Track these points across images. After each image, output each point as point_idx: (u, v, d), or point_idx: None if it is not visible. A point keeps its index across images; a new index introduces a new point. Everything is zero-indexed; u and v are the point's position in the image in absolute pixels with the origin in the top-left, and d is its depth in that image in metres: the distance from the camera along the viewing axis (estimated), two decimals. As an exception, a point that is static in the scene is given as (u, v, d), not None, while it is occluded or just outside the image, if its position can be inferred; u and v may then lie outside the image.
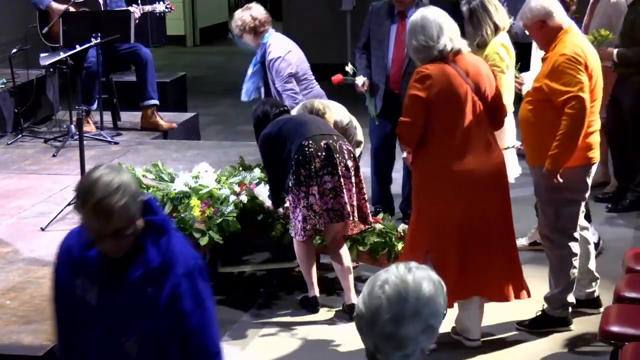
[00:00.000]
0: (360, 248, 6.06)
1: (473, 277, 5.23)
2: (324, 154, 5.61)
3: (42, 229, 6.25)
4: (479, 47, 6.09)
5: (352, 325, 5.71)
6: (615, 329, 4.39)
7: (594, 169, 5.51)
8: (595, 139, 5.44)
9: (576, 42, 5.31)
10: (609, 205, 7.67)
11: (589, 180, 5.48)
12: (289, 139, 5.69)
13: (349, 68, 6.97)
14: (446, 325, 5.54)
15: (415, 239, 5.31)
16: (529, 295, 5.41)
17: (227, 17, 18.68)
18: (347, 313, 5.80)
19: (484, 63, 5.37)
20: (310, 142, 5.63)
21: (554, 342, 5.48)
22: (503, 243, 5.27)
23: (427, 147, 5.18)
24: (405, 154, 5.34)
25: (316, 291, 5.91)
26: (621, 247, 6.20)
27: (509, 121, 6.02)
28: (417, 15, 5.23)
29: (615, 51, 7.22)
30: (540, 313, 5.61)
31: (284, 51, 6.92)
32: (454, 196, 5.15)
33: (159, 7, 8.89)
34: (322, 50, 11.32)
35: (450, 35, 5.13)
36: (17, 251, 5.92)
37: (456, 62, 5.14)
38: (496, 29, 6.11)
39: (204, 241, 5.76)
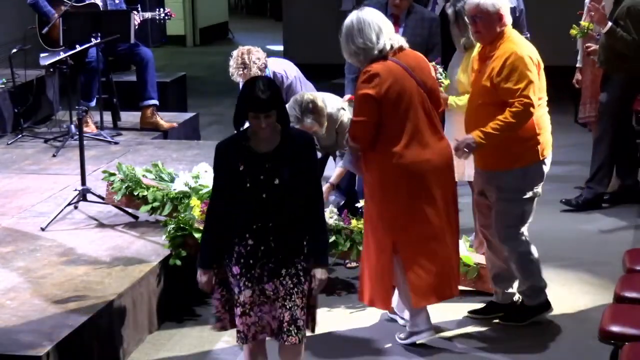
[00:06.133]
0: (360, 248, 6.04)
1: (448, 275, 5.24)
2: None
3: (42, 229, 6.25)
4: (466, 48, 6.06)
5: (351, 325, 5.74)
6: (615, 329, 4.38)
7: (547, 161, 5.46)
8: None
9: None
10: (562, 200, 7.67)
11: (545, 172, 5.47)
12: None
13: None
14: (446, 326, 5.55)
15: (381, 241, 5.23)
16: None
17: (227, 17, 18.67)
18: None
19: (424, 59, 5.33)
20: None
21: (553, 341, 5.48)
22: (456, 234, 5.31)
23: (379, 146, 5.12)
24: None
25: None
26: (621, 247, 6.19)
27: None
28: (350, 18, 5.19)
29: (609, 25, 7.17)
30: (519, 305, 5.65)
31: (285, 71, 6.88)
32: (414, 190, 5.11)
33: (159, 15, 8.90)
34: (322, 50, 11.30)
35: (389, 34, 5.12)
36: (17, 251, 5.91)
37: (399, 58, 5.12)
38: None
39: (204, 241, 5.75)
